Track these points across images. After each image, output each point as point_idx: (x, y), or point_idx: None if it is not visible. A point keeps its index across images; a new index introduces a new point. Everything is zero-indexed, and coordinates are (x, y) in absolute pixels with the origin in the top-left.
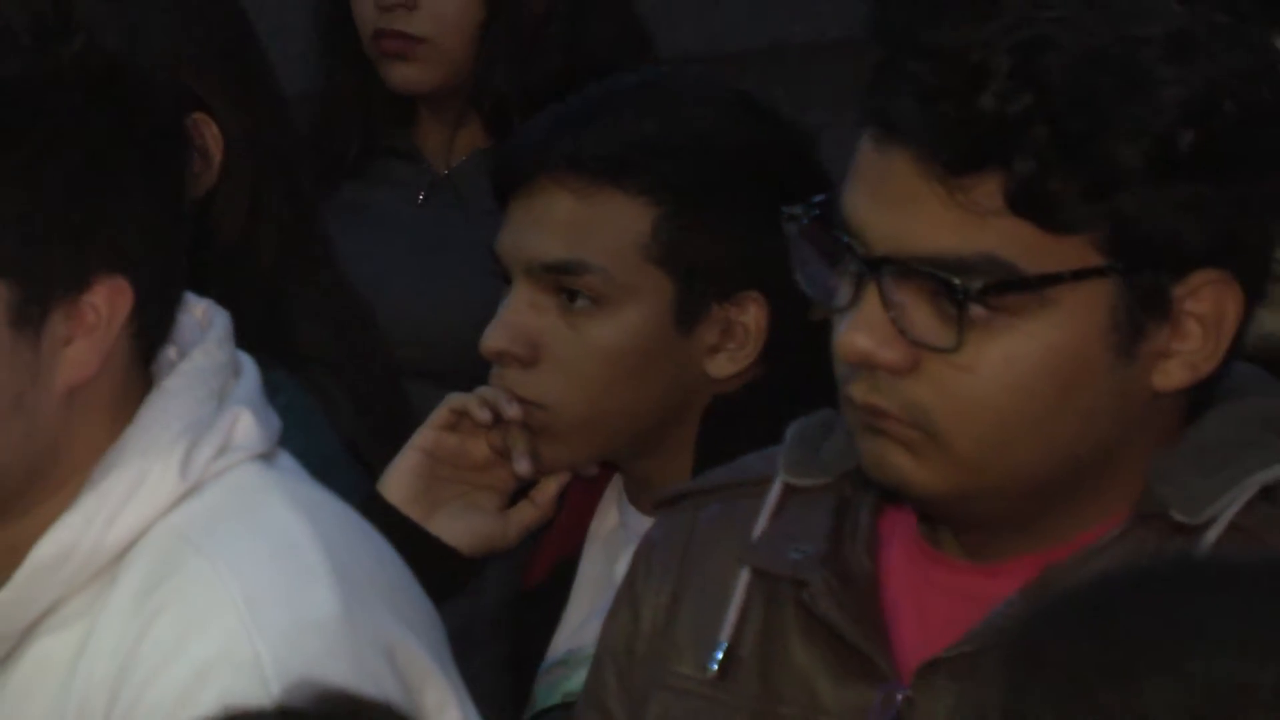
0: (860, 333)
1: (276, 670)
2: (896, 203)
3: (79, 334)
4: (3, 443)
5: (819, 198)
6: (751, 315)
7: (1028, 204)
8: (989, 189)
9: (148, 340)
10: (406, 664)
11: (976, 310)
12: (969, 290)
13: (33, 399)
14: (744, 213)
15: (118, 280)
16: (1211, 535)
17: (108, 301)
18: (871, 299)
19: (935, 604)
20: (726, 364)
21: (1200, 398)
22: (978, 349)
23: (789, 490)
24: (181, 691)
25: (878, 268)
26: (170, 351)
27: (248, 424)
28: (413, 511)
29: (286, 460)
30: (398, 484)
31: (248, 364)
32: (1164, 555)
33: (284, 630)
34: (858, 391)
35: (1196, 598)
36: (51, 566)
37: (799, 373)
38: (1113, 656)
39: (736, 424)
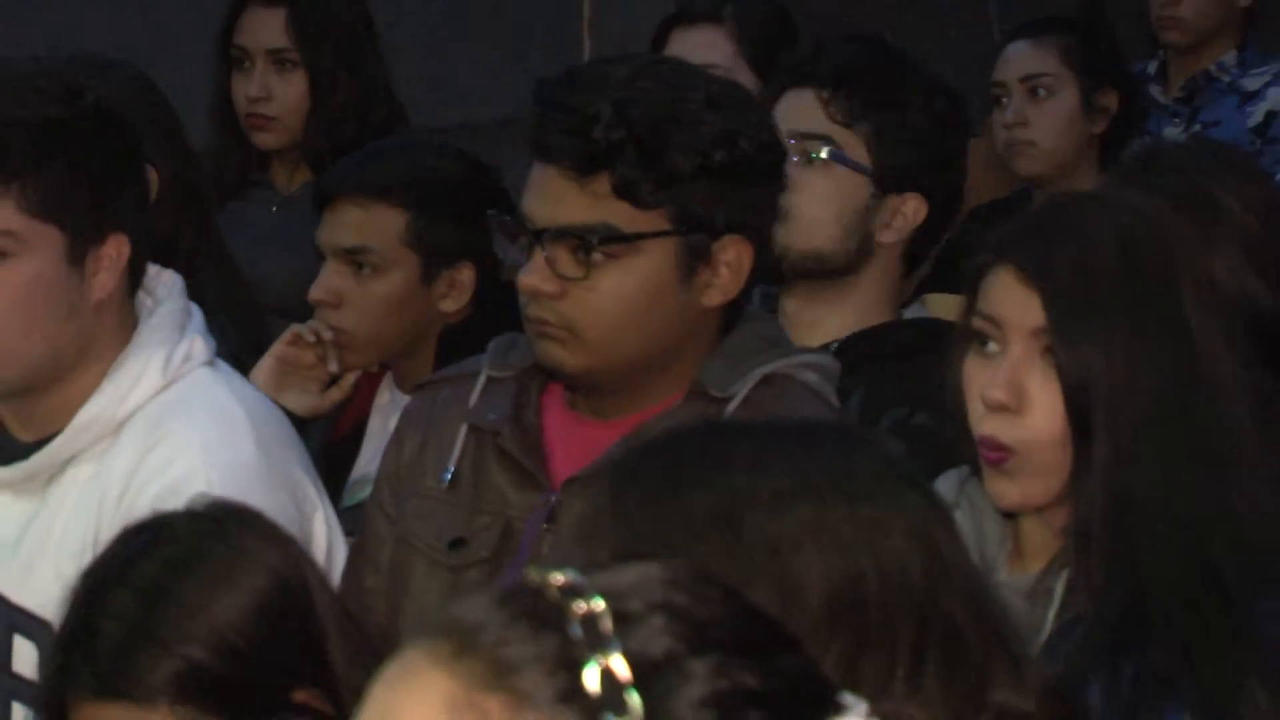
0: (532, 275)
1: (220, 490)
2: (550, 196)
3: (101, 269)
4: (65, 337)
5: (508, 208)
6: (466, 275)
7: (624, 192)
8: (602, 183)
9: (133, 279)
10: (298, 490)
11: (596, 255)
12: (592, 243)
13: (79, 309)
14: (463, 215)
15: (120, 236)
16: (732, 405)
17: (116, 250)
18: (538, 255)
19: (575, 445)
20: (451, 304)
21: (730, 320)
22: (598, 279)
23: (490, 379)
24: (161, 498)
25: (540, 236)
26: (148, 301)
27: (199, 345)
28: (268, 391)
29: (223, 366)
30: (261, 375)
31: (195, 309)
32: (705, 417)
33: (226, 465)
34: (532, 310)
35: (722, 440)
36: (86, 425)
37: (496, 312)
38: (672, 475)
39: (459, 341)
